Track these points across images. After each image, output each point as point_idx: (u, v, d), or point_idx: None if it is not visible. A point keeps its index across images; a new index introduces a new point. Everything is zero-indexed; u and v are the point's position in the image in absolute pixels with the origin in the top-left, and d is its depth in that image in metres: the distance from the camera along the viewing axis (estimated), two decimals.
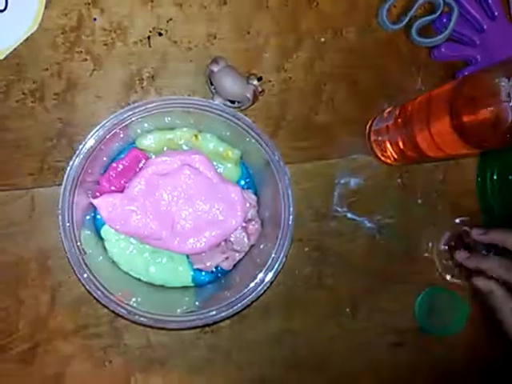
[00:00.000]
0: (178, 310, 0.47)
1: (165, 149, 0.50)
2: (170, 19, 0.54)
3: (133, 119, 0.46)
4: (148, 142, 0.50)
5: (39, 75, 0.51)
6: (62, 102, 0.52)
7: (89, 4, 0.52)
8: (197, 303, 0.49)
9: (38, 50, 0.51)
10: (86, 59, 0.52)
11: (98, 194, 0.49)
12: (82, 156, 0.45)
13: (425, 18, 0.56)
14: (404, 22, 0.56)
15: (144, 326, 0.49)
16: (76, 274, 0.45)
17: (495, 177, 0.57)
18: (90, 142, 0.45)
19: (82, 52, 0.52)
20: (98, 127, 0.45)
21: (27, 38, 0.51)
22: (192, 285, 0.51)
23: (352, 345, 0.57)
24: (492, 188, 0.58)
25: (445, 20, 0.56)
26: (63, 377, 0.52)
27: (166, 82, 0.53)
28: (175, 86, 0.54)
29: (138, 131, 0.49)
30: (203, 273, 0.51)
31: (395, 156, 0.54)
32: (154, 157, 0.50)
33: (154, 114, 0.46)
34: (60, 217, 0.45)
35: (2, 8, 0.51)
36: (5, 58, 0.51)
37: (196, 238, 0.49)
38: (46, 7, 0.51)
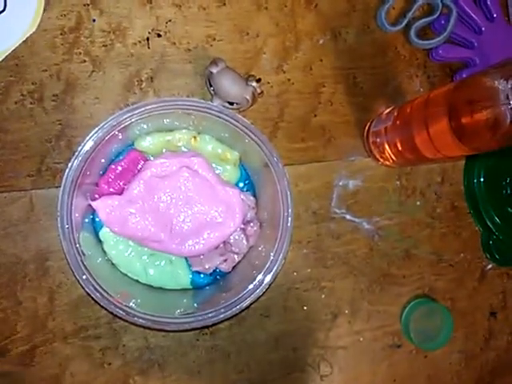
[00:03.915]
0: (177, 312, 0.47)
1: (163, 150, 0.50)
2: (169, 20, 0.53)
3: (131, 121, 0.46)
4: (147, 143, 0.50)
5: (38, 76, 0.51)
6: (60, 104, 0.52)
7: (88, 5, 0.52)
8: (195, 305, 0.48)
9: (36, 51, 0.51)
10: (84, 60, 0.52)
11: (96, 195, 0.49)
12: (80, 158, 0.45)
13: (423, 20, 0.56)
14: (403, 24, 0.56)
15: (143, 327, 0.49)
16: (75, 276, 0.45)
17: (482, 179, 0.58)
18: (89, 144, 0.45)
19: (80, 53, 0.52)
20: (97, 129, 0.45)
21: (26, 39, 0.51)
22: (190, 287, 0.51)
23: (350, 346, 0.57)
24: (479, 191, 0.58)
25: (443, 22, 0.56)
26: (62, 378, 0.52)
27: (164, 84, 0.53)
28: (174, 87, 0.54)
29: (137, 133, 0.49)
30: (202, 275, 0.51)
31: (393, 158, 0.54)
32: (152, 158, 0.50)
33: (153, 115, 0.46)
34: (59, 219, 0.45)
35: (1, 9, 0.51)
36: (3, 59, 0.51)
37: (195, 240, 0.48)
38: (44, 8, 0.51)
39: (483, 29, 0.57)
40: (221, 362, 0.54)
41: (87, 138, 0.45)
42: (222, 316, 0.46)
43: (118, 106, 0.53)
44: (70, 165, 0.45)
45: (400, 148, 0.52)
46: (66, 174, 0.45)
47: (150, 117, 0.46)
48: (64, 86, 0.52)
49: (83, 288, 0.45)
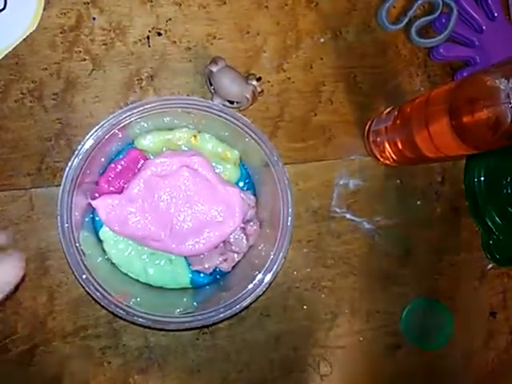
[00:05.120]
0: (177, 311, 0.47)
1: (164, 149, 0.50)
2: (170, 19, 0.53)
3: (131, 119, 0.46)
4: (147, 142, 0.50)
5: (38, 75, 0.51)
6: (60, 102, 0.52)
7: (88, 3, 0.52)
8: (195, 304, 0.48)
9: (36, 49, 0.51)
10: (84, 59, 0.52)
11: (96, 194, 0.49)
12: (80, 157, 0.45)
13: (424, 19, 0.56)
14: (403, 23, 0.56)
15: (143, 326, 0.49)
16: (75, 275, 0.45)
17: (482, 178, 0.58)
18: (89, 143, 0.45)
19: (80, 52, 0.52)
20: (97, 127, 0.45)
21: (26, 38, 0.51)
22: (190, 286, 0.51)
23: (350, 346, 0.57)
24: (480, 190, 0.58)
25: (444, 20, 0.56)
26: (62, 378, 0.52)
27: (164, 82, 0.53)
28: (174, 86, 0.53)
29: (137, 131, 0.49)
30: (201, 274, 0.51)
31: (394, 157, 0.54)
32: (152, 157, 0.50)
33: (153, 114, 0.46)
34: (59, 218, 0.45)
35: (1, 7, 0.50)
36: (3, 58, 0.51)
37: (194, 240, 0.48)
38: (44, 7, 0.51)
39: (484, 27, 0.57)
40: (220, 361, 0.54)
41: (87, 136, 0.45)
42: (221, 315, 0.46)
43: (118, 104, 0.53)
44: (69, 164, 0.45)
45: (400, 147, 0.52)
46: (65, 172, 0.45)
47: (150, 115, 0.46)
48: (64, 85, 0.52)
49: (83, 287, 0.45)
